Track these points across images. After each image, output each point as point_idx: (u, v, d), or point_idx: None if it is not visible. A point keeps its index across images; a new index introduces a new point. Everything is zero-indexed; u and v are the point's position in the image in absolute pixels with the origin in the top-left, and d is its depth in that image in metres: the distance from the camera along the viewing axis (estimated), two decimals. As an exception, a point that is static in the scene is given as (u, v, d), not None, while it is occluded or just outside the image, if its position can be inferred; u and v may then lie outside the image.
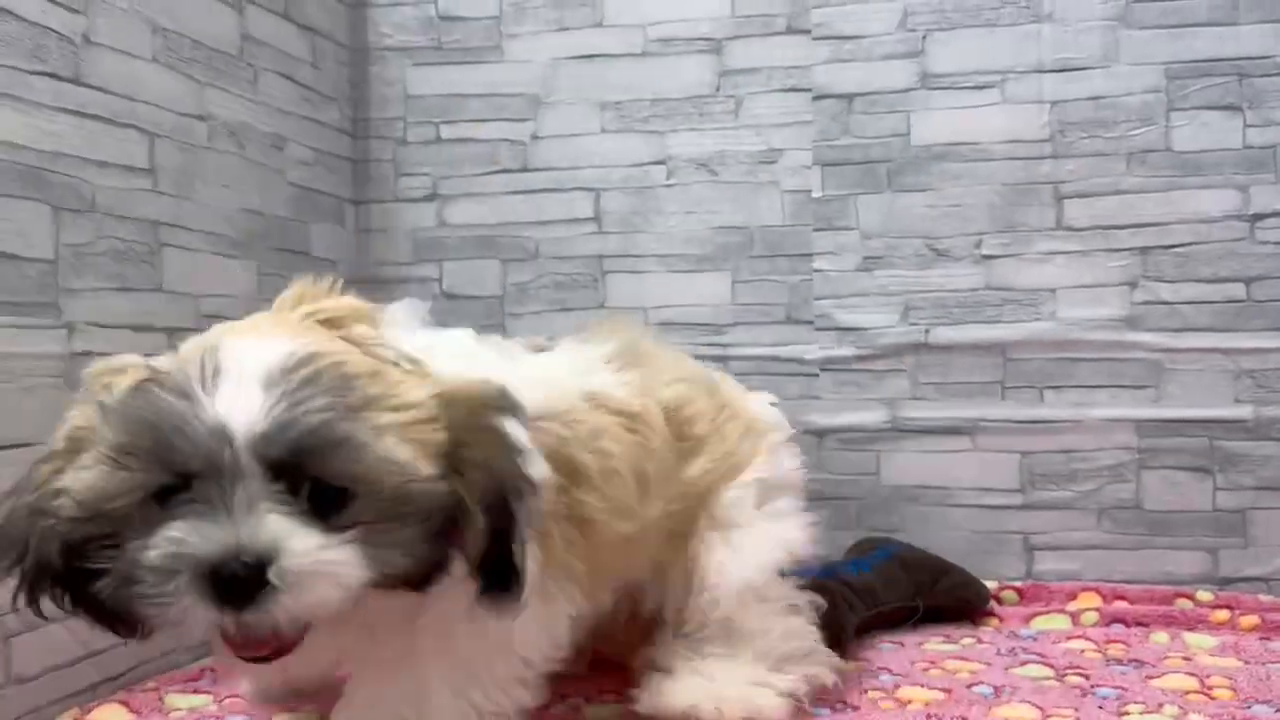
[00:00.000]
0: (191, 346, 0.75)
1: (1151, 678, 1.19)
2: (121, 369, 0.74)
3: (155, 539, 0.67)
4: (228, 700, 1.16)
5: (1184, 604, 1.48)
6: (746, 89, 1.70)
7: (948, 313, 1.66)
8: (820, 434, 1.70)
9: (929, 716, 1.06)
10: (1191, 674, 1.20)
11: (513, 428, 0.77)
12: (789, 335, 1.71)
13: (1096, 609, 1.47)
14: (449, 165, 1.78)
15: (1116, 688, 1.14)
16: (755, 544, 1.08)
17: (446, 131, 1.78)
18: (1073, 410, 1.62)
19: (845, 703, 1.11)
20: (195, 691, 1.22)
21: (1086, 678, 1.19)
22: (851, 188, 1.68)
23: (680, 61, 1.71)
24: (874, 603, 1.42)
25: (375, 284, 1.79)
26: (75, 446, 0.72)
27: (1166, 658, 1.27)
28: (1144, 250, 1.60)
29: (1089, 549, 1.61)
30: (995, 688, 1.15)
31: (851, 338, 1.69)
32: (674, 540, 1.06)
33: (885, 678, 1.20)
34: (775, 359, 1.71)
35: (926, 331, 1.67)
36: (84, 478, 0.70)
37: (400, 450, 0.70)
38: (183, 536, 0.66)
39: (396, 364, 0.77)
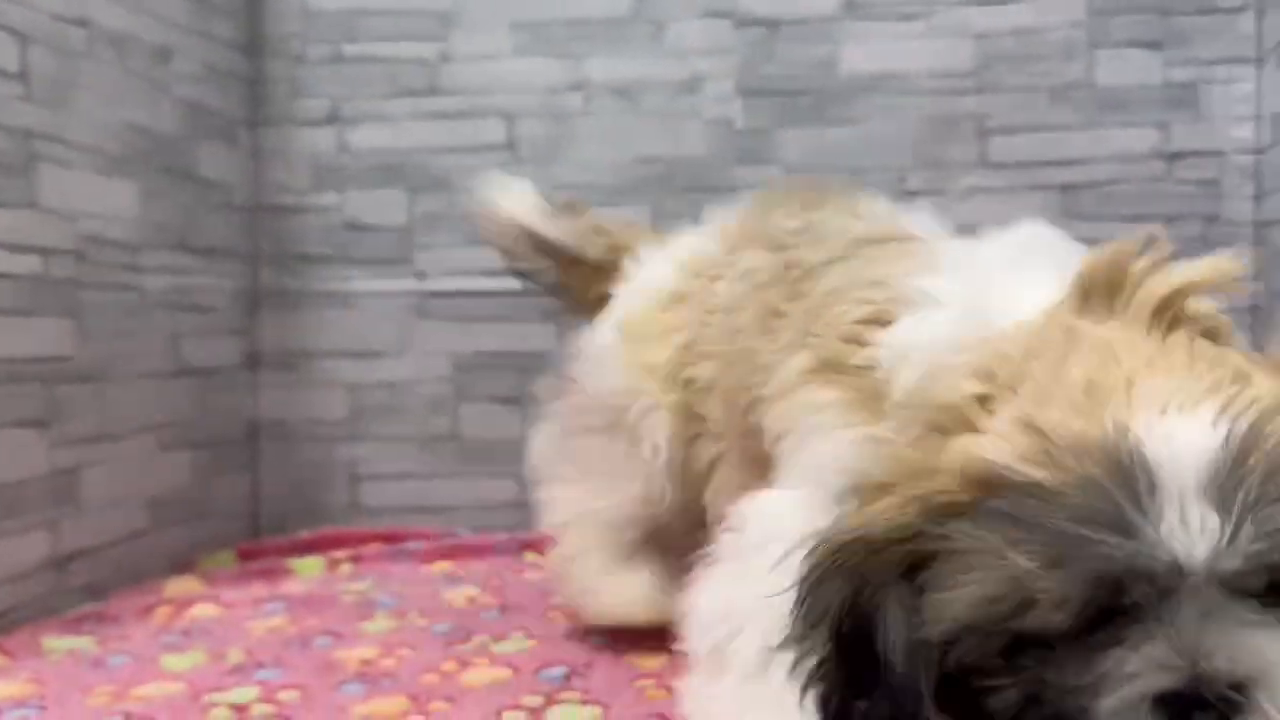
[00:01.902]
0: (1080, 399, 0.52)
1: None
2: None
3: (1095, 669, 0.50)
4: (113, 643, 1.09)
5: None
6: (667, 13, 1.63)
7: (870, 249, 1.63)
8: (739, 373, 1.66)
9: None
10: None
11: None
12: (709, 272, 1.66)
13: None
14: (351, 86, 1.68)
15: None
16: None
17: (349, 50, 1.68)
18: (992, 348, 1.61)
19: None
20: (76, 634, 1.14)
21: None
22: (774, 119, 1.63)
23: (599, -18, 1.64)
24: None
25: (271, 211, 1.69)
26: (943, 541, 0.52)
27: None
28: (1066, 187, 1.59)
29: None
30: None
31: (772, 275, 1.65)
32: None
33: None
34: (694, 296, 1.66)
35: (848, 268, 1.64)
36: (969, 592, 0.51)
37: None
38: (1136, 670, 0.49)
39: None
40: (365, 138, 1.68)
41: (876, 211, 0.98)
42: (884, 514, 0.54)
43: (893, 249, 0.86)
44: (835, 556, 0.55)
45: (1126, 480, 0.47)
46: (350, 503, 1.69)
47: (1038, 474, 0.49)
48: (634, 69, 1.64)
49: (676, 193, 1.65)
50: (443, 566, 1.45)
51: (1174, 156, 1.58)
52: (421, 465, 1.68)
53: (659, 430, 1.03)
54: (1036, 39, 1.59)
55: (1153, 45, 1.58)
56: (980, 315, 0.67)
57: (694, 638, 0.78)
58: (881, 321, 0.77)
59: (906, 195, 1.61)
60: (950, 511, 0.52)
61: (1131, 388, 0.50)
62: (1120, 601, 0.48)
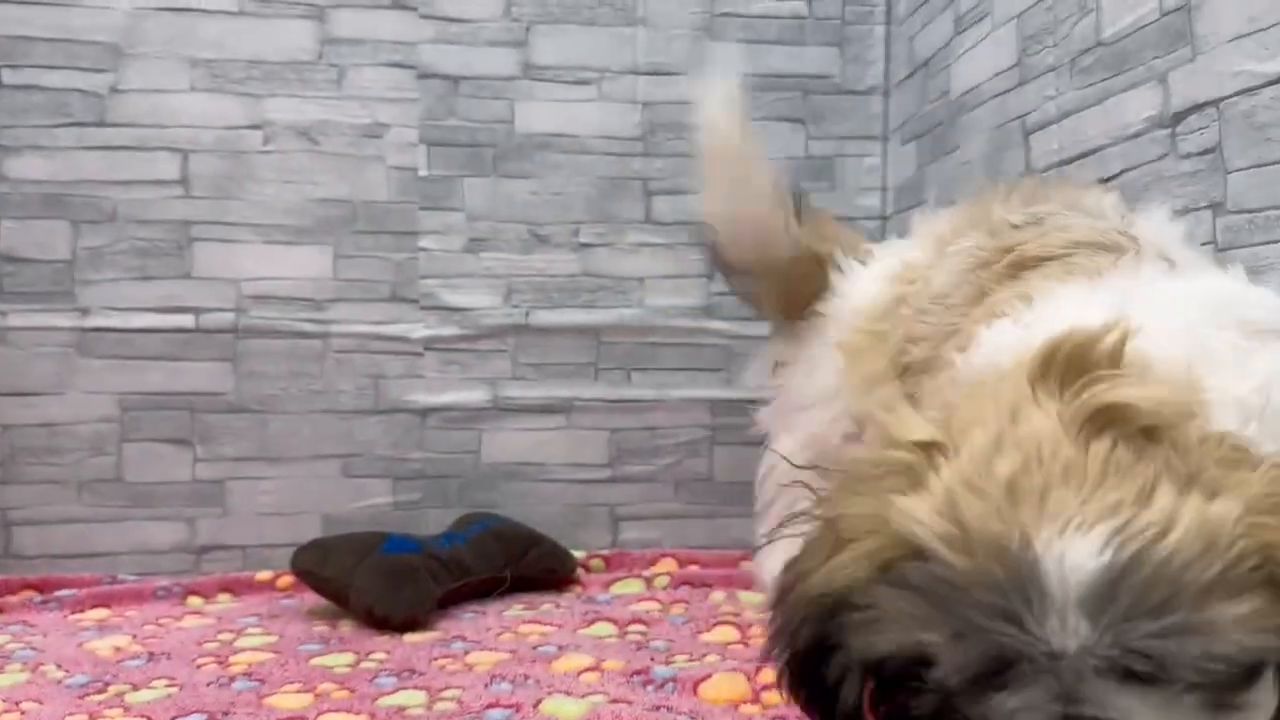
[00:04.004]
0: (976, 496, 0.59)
1: (700, 632, 1.30)
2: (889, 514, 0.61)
3: (983, 707, 0.59)
4: None
5: (747, 565, 1.63)
6: (351, 59, 1.67)
7: (547, 296, 1.73)
8: (423, 413, 1.70)
9: (494, 676, 1.10)
10: (736, 626, 1.32)
11: None
12: (393, 313, 1.70)
13: (669, 573, 1.59)
14: (10, 114, 1.60)
15: (668, 640, 1.24)
16: None
17: (8, 76, 1.60)
18: (656, 390, 1.74)
19: (413, 670, 1.13)
20: None
21: (645, 634, 1.28)
22: (458, 169, 1.70)
23: (280, 24, 1.65)
24: (463, 574, 1.45)
25: (-83, 241, 1.58)
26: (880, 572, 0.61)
27: (718, 613, 1.40)
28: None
29: (667, 518, 1.74)
30: (559, 646, 1.21)
31: (456, 318, 1.71)
32: None
33: (458, 645, 1.23)
34: (379, 337, 1.69)
35: (527, 314, 1.72)
36: (880, 643, 0.61)
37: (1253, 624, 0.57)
38: (1015, 708, 0.58)
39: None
40: (26, 167, 1.60)
41: (1107, 210, 0.98)
42: (843, 569, 0.63)
43: (1104, 259, 0.86)
44: (801, 607, 0.66)
45: (1023, 585, 0.56)
46: (2, 550, 1.60)
47: (954, 560, 0.58)
48: (316, 111, 1.66)
49: (359, 235, 1.68)
50: (97, 614, 1.40)
51: (814, 220, 1.77)
52: (82, 509, 1.61)
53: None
54: (696, 109, 1.74)
55: (796, 121, 1.78)
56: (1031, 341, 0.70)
57: None
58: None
59: (581, 248, 1.73)
60: (884, 570, 0.61)
61: (1045, 500, 0.58)
62: (1007, 669, 0.58)
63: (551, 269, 1.72)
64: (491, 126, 1.70)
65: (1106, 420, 0.60)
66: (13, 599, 1.44)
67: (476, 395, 1.72)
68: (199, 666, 1.17)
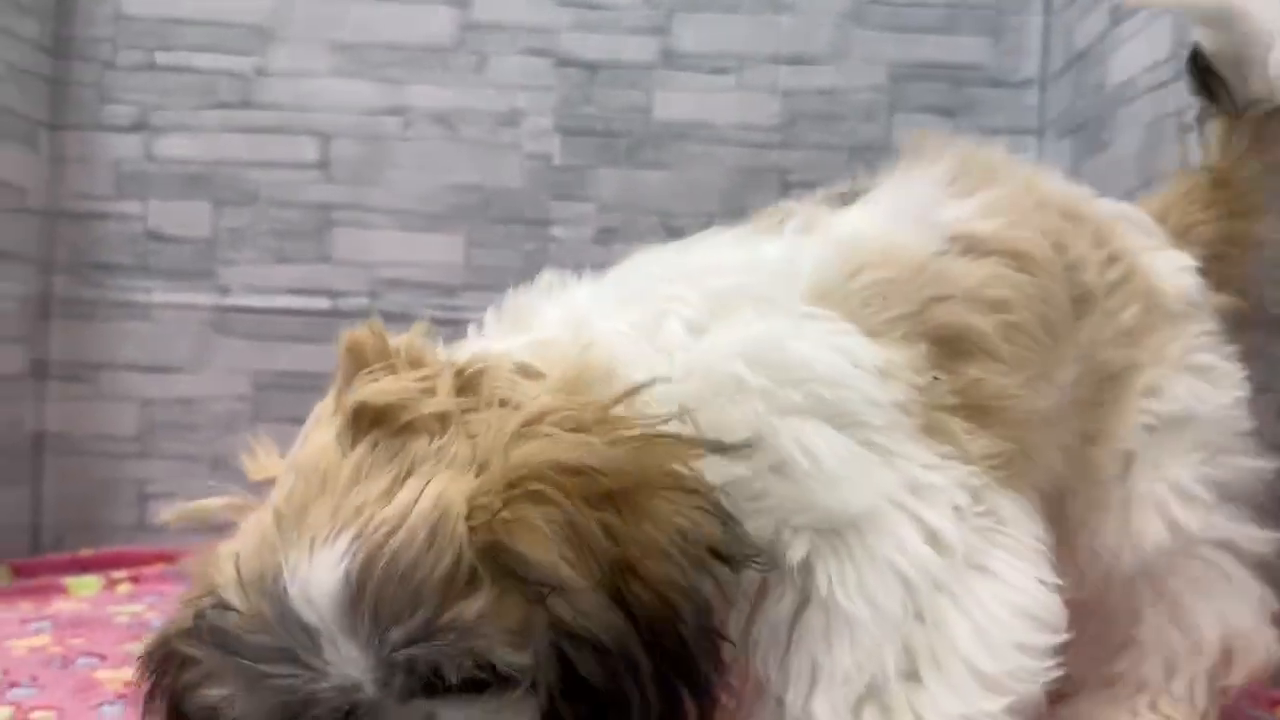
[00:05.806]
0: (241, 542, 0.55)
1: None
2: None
3: None
4: None
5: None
6: (490, 46, 1.66)
7: (678, 289, 1.68)
8: (547, 404, 1.68)
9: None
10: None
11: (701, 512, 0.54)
12: (522, 302, 1.68)
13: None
14: (161, 94, 1.63)
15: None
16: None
17: (161, 58, 1.64)
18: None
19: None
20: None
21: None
22: (591, 158, 1.67)
23: (422, 9, 1.65)
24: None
25: (69, 218, 1.63)
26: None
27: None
28: (859, 241, 1.68)
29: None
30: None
31: (584, 309, 1.68)
32: (1081, 448, 0.81)
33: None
34: (507, 326, 1.67)
35: (656, 307, 1.68)
36: (199, 694, 0.56)
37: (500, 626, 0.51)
38: None
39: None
40: (173, 147, 1.64)
41: None
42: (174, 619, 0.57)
43: None
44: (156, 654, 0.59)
45: (285, 619, 0.51)
46: (136, 522, 1.63)
47: (237, 604, 0.52)
48: (454, 98, 1.66)
49: (491, 223, 1.67)
50: (227, 589, 1.41)
51: (959, 218, 1.68)
52: (214, 487, 1.63)
53: None
54: (839, 99, 1.68)
55: (946, 112, 1.70)
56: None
57: None
58: None
59: (714, 239, 1.68)
60: (198, 618, 0.55)
61: (301, 521, 0.52)
62: (307, 713, 0.52)
63: (683, 262, 1.68)
64: (628, 115, 1.67)
65: (369, 421, 0.54)
66: (148, 570, 1.47)
67: (602, 388, 1.68)
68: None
